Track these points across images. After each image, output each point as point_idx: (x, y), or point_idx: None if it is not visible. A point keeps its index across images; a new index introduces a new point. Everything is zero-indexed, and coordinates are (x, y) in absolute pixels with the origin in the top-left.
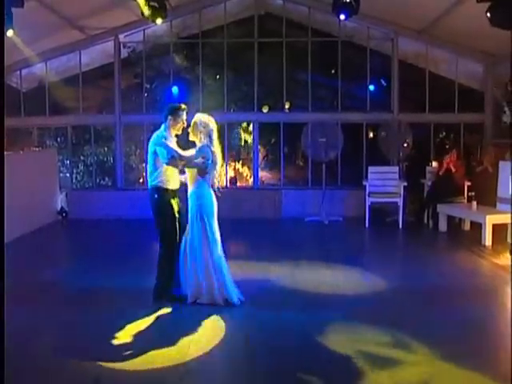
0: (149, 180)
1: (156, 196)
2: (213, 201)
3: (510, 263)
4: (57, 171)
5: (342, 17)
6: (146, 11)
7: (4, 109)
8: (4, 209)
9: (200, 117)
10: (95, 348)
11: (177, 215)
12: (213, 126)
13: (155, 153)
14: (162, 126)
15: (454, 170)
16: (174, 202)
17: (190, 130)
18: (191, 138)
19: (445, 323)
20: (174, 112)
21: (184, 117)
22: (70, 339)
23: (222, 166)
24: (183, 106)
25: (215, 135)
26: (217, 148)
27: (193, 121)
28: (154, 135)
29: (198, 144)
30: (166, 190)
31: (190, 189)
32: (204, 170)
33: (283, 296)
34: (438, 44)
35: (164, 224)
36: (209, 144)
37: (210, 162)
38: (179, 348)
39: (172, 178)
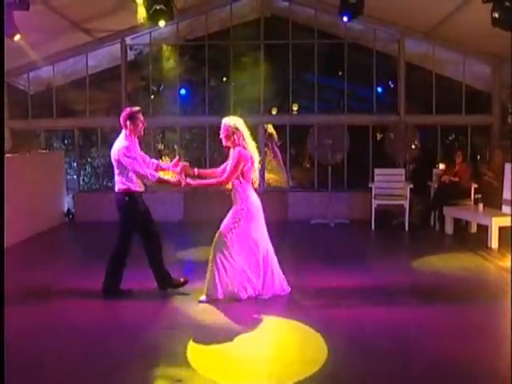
0: (116, 184)
1: (126, 199)
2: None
3: (509, 264)
4: (64, 173)
5: (345, 19)
6: (144, 16)
7: (4, 110)
8: (4, 210)
9: (228, 121)
10: (103, 351)
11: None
12: (242, 127)
13: (120, 161)
14: (122, 134)
15: (458, 179)
16: (141, 204)
17: (222, 136)
18: (225, 143)
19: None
20: (132, 116)
21: (142, 118)
22: (77, 342)
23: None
24: (138, 108)
25: (247, 135)
26: (252, 147)
27: (222, 127)
28: (116, 145)
29: (232, 149)
30: (135, 192)
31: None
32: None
33: None
34: (444, 45)
35: (130, 224)
36: (245, 145)
37: (249, 164)
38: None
39: (139, 181)
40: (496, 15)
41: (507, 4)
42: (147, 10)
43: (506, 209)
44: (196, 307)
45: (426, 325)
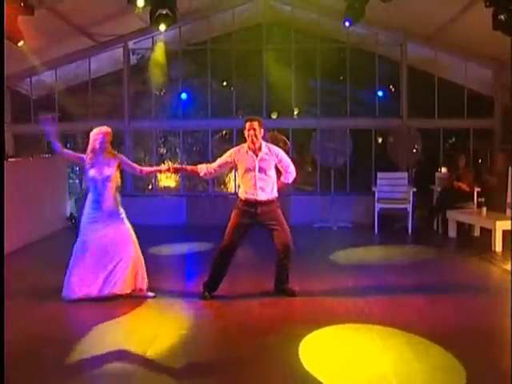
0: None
1: None
2: None
3: (510, 268)
4: (66, 177)
5: (347, 24)
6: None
7: (3, 114)
8: (4, 212)
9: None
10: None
11: None
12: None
13: None
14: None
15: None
16: None
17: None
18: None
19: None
20: None
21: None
22: (78, 345)
23: None
24: None
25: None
26: None
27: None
28: None
29: None
30: None
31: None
32: None
33: None
34: (446, 49)
35: None
36: None
37: None
38: None
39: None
40: (501, 18)
41: (505, 8)
42: (151, 15)
43: (510, 212)
44: None
45: (429, 324)
